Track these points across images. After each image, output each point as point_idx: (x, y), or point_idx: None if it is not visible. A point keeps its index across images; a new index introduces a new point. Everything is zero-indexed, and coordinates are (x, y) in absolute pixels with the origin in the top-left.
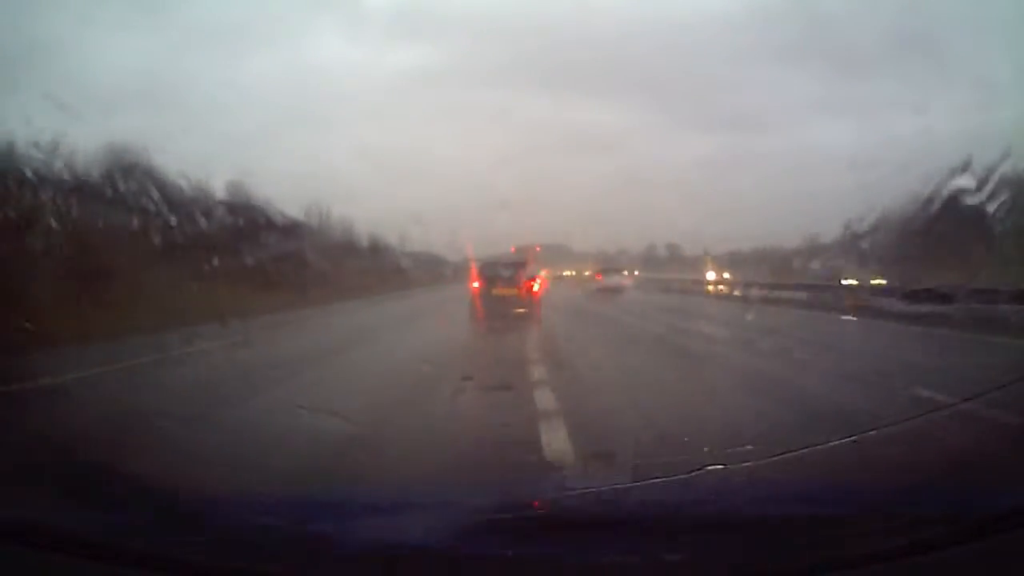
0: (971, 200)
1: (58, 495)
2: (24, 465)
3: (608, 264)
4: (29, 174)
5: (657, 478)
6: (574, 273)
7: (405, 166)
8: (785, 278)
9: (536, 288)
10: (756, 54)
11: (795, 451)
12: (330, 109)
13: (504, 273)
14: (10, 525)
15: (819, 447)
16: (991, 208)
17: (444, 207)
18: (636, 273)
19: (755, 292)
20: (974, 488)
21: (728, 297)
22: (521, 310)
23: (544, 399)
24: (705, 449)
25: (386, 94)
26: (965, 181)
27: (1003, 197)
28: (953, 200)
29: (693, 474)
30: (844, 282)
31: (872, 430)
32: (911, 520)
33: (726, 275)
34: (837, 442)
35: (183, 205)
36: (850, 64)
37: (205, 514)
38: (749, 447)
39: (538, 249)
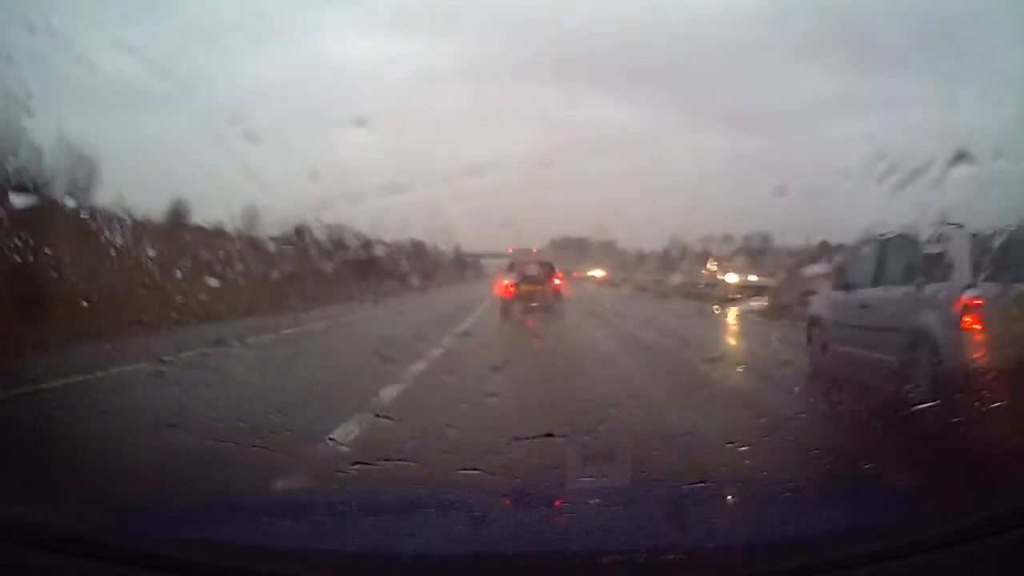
0: None
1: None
2: None
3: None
4: None
5: (659, 481)
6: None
7: (421, 163)
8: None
9: (558, 284)
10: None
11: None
12: (339, 106)
13: (531, 272)
14: (10, 525)
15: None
16: None
17: (458, 206)
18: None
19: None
20: (974, 488)
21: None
22: (543, 304)
23: None
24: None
25: (399, 91)
26: None
27: None
28: None
29: (697, 486)
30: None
31: None
32: (908, 521)
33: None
34: None
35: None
36: (873, 59)
37: (205, 514)
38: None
39: (535, 250)
